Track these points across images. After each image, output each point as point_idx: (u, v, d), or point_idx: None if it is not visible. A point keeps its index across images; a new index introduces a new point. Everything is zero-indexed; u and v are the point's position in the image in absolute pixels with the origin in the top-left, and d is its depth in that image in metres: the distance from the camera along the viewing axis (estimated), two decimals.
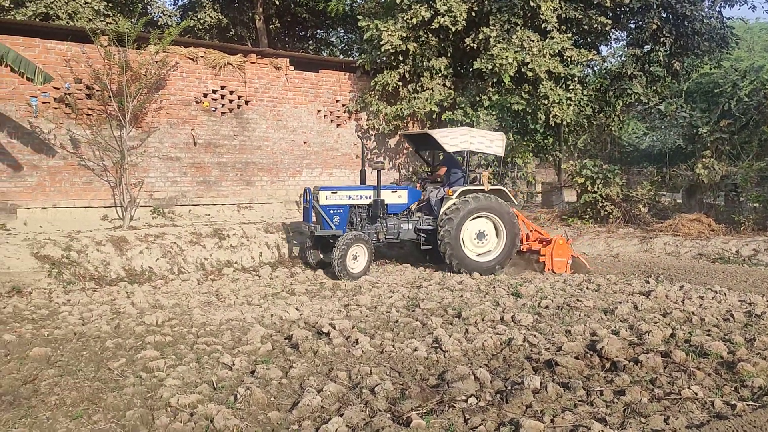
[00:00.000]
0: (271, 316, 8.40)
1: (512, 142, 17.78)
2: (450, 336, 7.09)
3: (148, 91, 13.61)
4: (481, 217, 12.30)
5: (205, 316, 8.40)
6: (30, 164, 12.75)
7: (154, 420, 4.92)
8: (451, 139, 12.47)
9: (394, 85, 16.68)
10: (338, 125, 16.91)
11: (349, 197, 12.31)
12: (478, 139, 12.69)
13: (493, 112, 16.72)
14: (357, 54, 23.11)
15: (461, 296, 9.67)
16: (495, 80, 16.35)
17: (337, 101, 16.95)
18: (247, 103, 15.44)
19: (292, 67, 16.13)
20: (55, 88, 12.78)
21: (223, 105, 15.12)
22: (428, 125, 17.62)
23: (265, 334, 7.39)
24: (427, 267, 12.82)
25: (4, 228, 12.17)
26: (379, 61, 16.81)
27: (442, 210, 12.30)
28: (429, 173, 14.28)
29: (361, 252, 11.67)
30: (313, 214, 12.12)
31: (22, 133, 12.64)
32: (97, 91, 13.21)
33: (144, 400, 5.36)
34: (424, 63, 16.53)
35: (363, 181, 13.09)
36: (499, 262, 12.32)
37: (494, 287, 10.44)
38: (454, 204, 12.15)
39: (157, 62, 13.62)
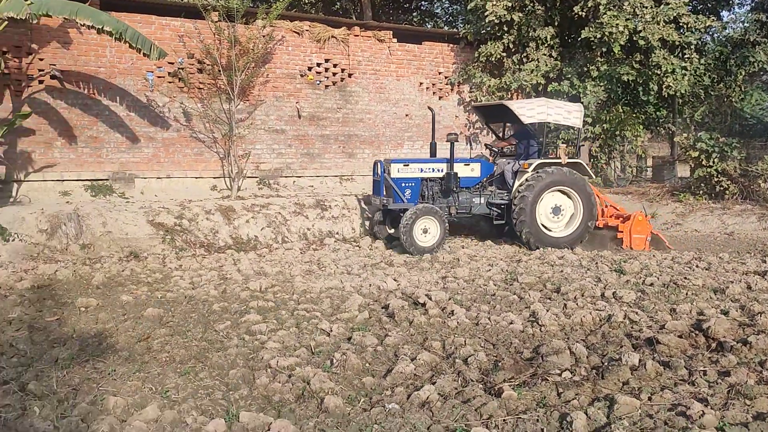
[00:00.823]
0: (369, 285, 8.55)
1: (621, 114, 17.22)
2: (547, 310, 7.01)
3: (255, 65, 14.00)
4: (557, 191, 11.93)
5: (306, 284, 8.65)
6: (146, 136, 13.42)
7: (254, 379, 5.13)
8: (528, 110, 11.98)
9: (498, 56, 16.45)
10: (440, 97, 16.85)
11: (421, 170, 12.02)
12: (556, 110, 12.19)
13: (602, 83, 16.20)
14: (461, 25, 22.85)
15: (561, 271, 9.51)
16: (604, 50, 15.83)
17: (439, 73, 16.88)
18: (350, 75, 15.62)
19: (395, 40, 16.17)
20: (169, 63, 13.36)
21: (326, 78, 15.37)
22: (533, 97, 17.28)
23: (362, 303, 7.53)
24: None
25: (123, 196, 12.91)
26: (483, 31, 16.60)
27: (517, 183, 11.89)
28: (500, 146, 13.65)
29: (432, 225, 11.32)
30: (384, 187, 11.91)
31: (139, 107, 13.30)
32: (207, 65, 13.71)
33: (246, 360, 5.60)
34: (530, 33, 16.19)
35: (433, 153, 12.71)
36: (574, 237, 11.95)
37: (596, 263, 10.20)
38: (530, 177, 11.74)
39: (264, 36, 13.97)
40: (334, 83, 15.46)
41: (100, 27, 10.45)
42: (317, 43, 15.09)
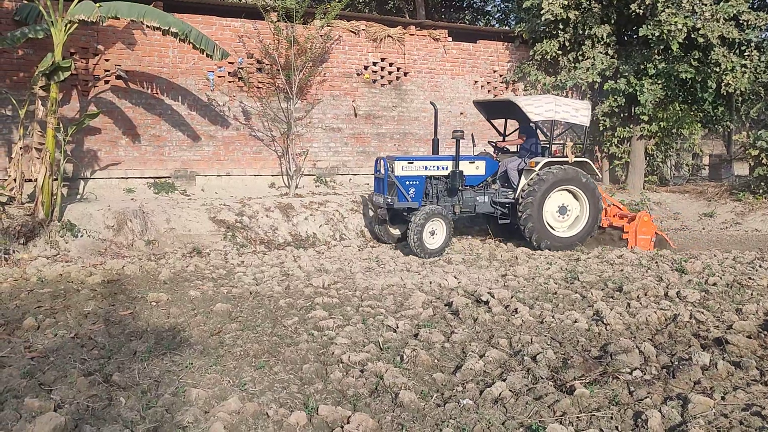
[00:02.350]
0: (430, 283, 8.64)
1: (678, 112, 16.97)
2: (611, 309, 7.02)
3: (313, 65, 14.20)
4: (563, 190, 11.72)
5: (368, 281, 8.77)
6: (207, 135, 13.71)
7: (328, 374, 5.27)
8: (536, 107, 11.68)
9: (554, 54, 16.36)
10: (495, 96, 16.82)
11: (426, 168, 11.61)
12: (564, 108, 11.88)
13: (659, 81, 16.00)
14: (513, 23, 22.77)
15: (621, 270, 9.48)
16: (662, 47, 15.61)
17: (494, 72, 16.87)
18: (405, 74, 15.72)
19: (450, 38, 16.22)
20: (229, 63, 13.63)
21: (382, 77, 15.50)
22: (588, 96, 17.16)
23: (425, 300, 7.62)
24: None
25: (185, 194, 13.22)
26: (538, 30, 16.52)
27: (524, 182, 11.60)
28: (500, 143, 13.15)
29: (439, 227, 11.04)
30: (388, 185, 11.44)
31: (200, 106, 13.61)
32: (266, 65, 13.96)
33: (317, 355, 5.74)
34: (586, 31, 16.06)
35: (435, 151, 12.37)
36: (580, 237, 11.78)
37: (657, 262, 10.13)
38: (537, 176, 11.45)
39: (321, 36, 14.16)
40: (389, 82, 15.58)
41: (167, 28, 10.71)
42: (373, 43, 15.22)
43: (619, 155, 17.47)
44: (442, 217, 11.06)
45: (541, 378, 5.08)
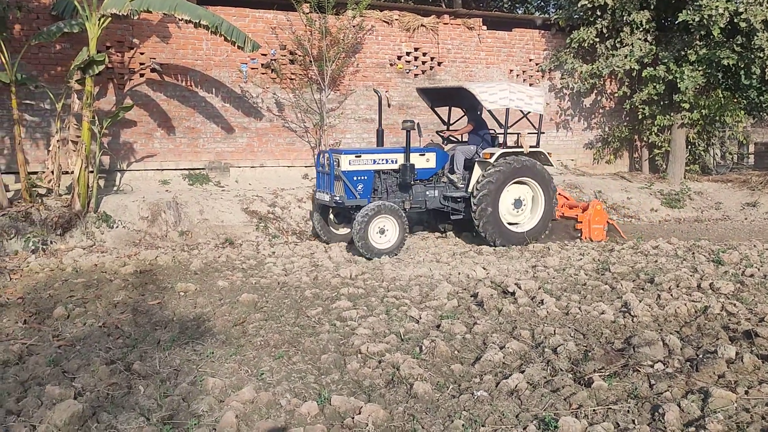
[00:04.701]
0: (458, 274, 8.59)
1: (721, 99, 16.54)
2: (640, 301, 6.88)
3: (345, 55, 14.17)
4: (518, 182, 11.13)
5: (396, 272, 8.75)
6: (241, 126, 13.81)
7: (345, 364, 5.27)
8: (490, 94, 10.97)
9: (591, 41, 16.06)
10: (531, 84, 16.58)
11: (374, 162, 10.87)
12: (518, 95, 11.23)
13: (700, 68, 15.60)
14: (553, 11, 22.43)
15: (656, 261, 9.29)
16: (703, 33, 15.20)
17: (530, 60, 16.65)
18: (439, 64, 15.60)
19: (484, 27, 16.03)
20: (262, 54, 13.68)
21: (416, 67, 15.41)
22: (626, 83, 16.83)
23: (451, 291, 7.58)
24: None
25: (219, 185, 13.35)
26: (575, 17, 16.25)
27: (479, 174, 10.90)
28: (447, 132, 12.50)
29: (390, 224, 10.27)
30: (335, 181, 10.77)
31: (234, 98, 13.70)
32: (299, 56, 13.98)
33: (337, 346, 5.74)
34: (624, 17, 15.71)
35: (380, 142, 11.81)
36: (537, 230, 11.21)
37: (693, 253, 9.90)
38: (492, 168, 10.77)
39: (354, 27, 14.12)
40: (423, 72, 15.48)
41: (197, 21, 10.78)
42: (406, 32, 15.13)
43: (659, 144, 17.10)
44: (393, 213, 10.29)
45: (561, 370, 5.01)
